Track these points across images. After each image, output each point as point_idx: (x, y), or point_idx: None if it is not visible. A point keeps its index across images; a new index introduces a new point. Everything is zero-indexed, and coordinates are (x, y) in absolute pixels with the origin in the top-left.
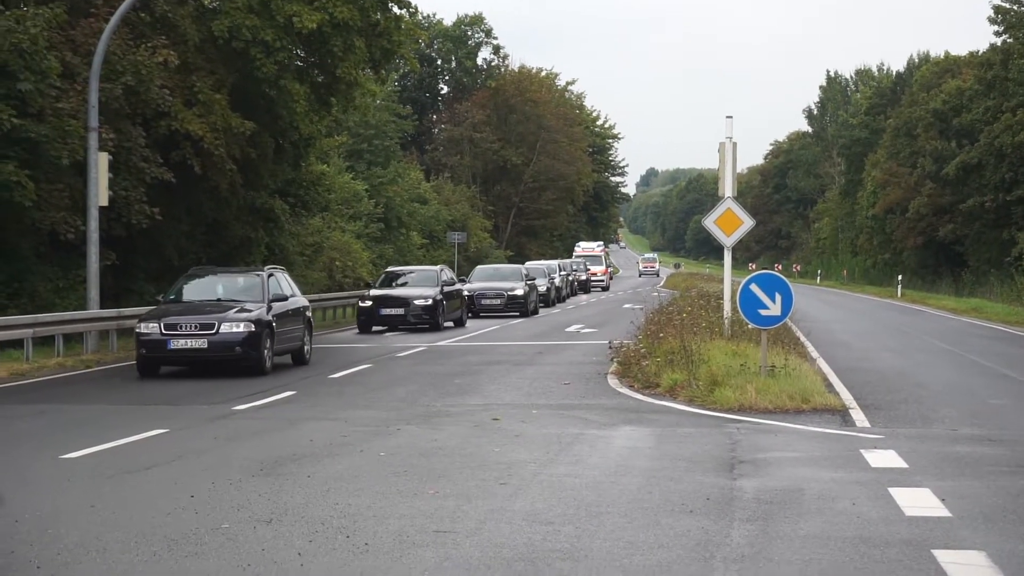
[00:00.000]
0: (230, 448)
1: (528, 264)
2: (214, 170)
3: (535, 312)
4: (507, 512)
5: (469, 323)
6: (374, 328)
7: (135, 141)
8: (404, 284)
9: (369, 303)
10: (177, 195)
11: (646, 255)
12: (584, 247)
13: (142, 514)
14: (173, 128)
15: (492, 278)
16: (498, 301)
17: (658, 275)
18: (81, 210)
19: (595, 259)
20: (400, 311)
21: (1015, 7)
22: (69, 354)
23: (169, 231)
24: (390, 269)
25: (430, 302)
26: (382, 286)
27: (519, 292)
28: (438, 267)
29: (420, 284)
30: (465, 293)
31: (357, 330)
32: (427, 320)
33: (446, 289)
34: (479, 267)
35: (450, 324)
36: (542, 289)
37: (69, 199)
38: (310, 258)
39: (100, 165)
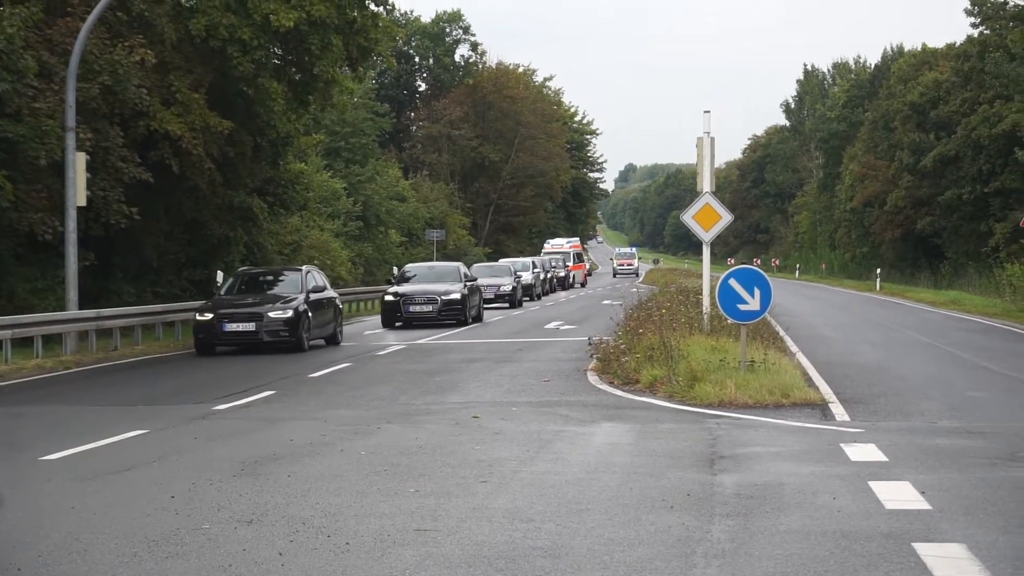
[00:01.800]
0: (210, 448)
1: (501, 261)
2: (192, 169)
3: (478, 319)
4: (488, 510)
5: (392, 335)
6: (218, 349)
7: (113, 141)
8: (258, 290)
9: (209, 316)
10: (156, 195)
11: (621, 250)
12: (553, 244)
13: (123, 515)
14: (151, 128)
15: (424, 279)
16: (430, 307)
17: (637, 274)
18: (59, 210)
19: (566, 256)
20: (250, 327)
21: None
22: (48, 355)
23: (148, 231)
24: (242, 270)
25: (290, 314)
26: (230, 293)
27: (455, 296)
28: (303, 268)
29: (279, 291)
30: (389, 298)
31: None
32: (287, 338)
33: (313, 297)
34: (409, 265)
35: (319, 342)
36: (506, 288)
37: (47, 199)
38: (289, 257)
39: (78, 165)
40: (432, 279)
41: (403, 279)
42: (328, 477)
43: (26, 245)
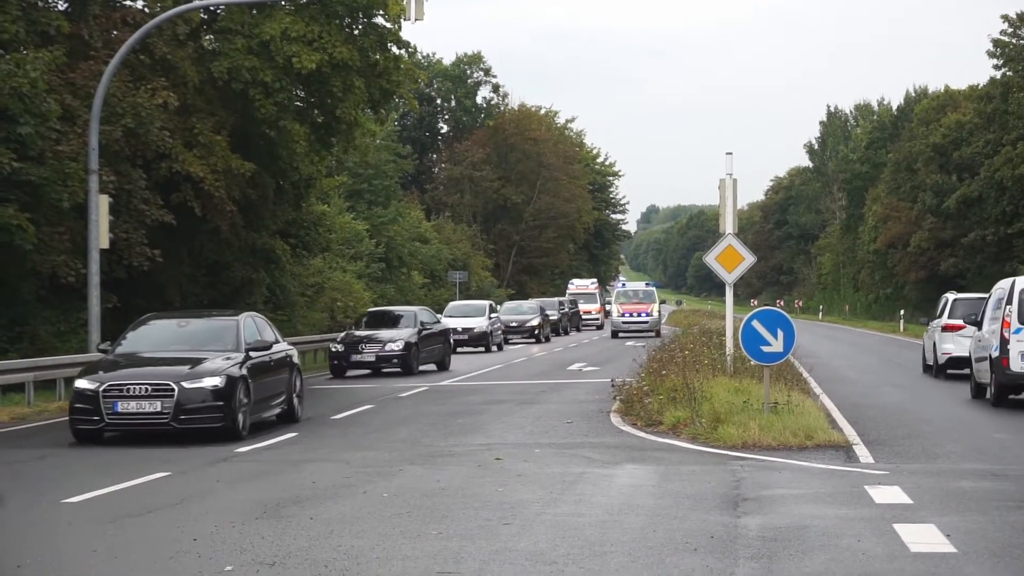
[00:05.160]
0: (232, 491)
1: (463, 303)
2: (215, 211)
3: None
4: (511, 552)
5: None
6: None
7: (135, 183)
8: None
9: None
10: (178, 237)
11: (629, 286)
12: (578, 284)
13: (144, 558)
14: (174, 170)
15: (164, 345)
16: (158, 406)
17: (657, 333)
18: (82, 253)
19: (589, 296)
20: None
21: (1014, 40)
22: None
23: (170, 273)
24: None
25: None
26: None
27: (215, 382)
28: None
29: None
30: (82, 384)
31: None
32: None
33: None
34: (151, 317)
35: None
36: (394, 347)
37: (70, 242)
38: (311, 299)
39: (101, 207)
40: (175, 346)
41: (124, 349)
42: (350, 519)
43: (49, 287)
